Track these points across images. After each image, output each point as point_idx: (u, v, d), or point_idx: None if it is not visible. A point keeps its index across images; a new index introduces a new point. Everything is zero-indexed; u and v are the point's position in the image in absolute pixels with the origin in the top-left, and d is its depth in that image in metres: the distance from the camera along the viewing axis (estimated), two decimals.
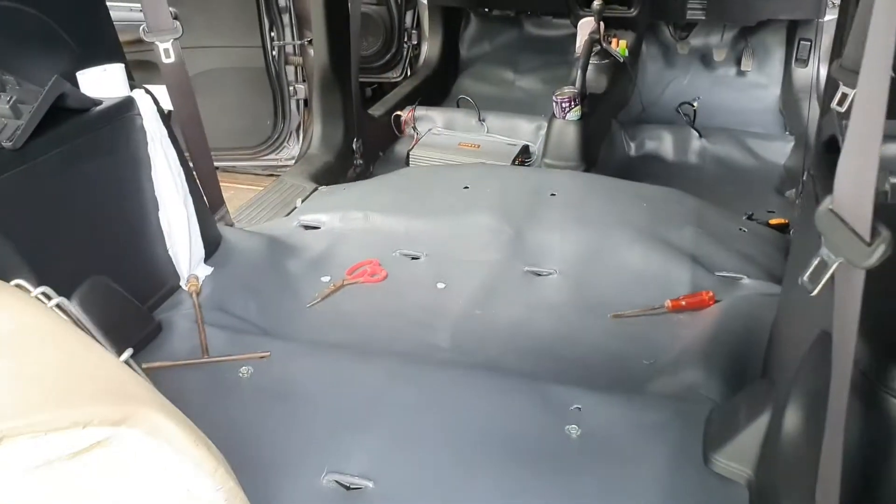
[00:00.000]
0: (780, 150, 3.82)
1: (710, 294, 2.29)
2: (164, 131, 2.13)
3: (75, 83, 2.01)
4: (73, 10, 2.03)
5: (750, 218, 3.24)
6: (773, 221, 3.14)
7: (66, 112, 1.88)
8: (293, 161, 3.83)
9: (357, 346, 2.11)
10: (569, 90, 3.56)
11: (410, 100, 4.44)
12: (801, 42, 4.32)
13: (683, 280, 2.38)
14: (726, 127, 4.17)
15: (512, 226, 2.64)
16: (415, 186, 3.05)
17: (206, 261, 2.34)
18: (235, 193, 4.12)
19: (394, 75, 4.92)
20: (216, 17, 3.44)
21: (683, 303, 2.28)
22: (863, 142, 0.90)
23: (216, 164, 3.86)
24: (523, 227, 2.63)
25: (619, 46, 4.08)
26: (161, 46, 2.26)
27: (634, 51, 4.32)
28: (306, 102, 3.77)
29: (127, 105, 2.04)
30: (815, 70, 4.29)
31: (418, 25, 4.96)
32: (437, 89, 4.86)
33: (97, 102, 1.98)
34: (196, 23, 3.43)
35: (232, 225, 2.74)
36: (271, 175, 4.11)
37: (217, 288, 2.25)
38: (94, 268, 1.94)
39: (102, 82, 2.02)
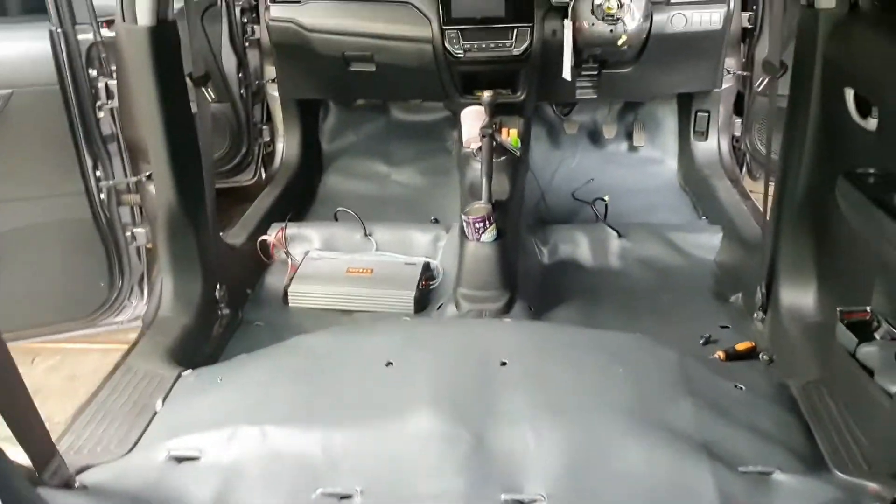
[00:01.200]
0: (706, 244, 3.44)
1: None
2: None
3: None
4: None
5: (708, 341, 2.81)
6: (741, 347, 2.71)
7: None
8: (138, 321, 2.97)
9: None
10: (480, 207, 3.00)
11: (275, 214, 3.71)
12: (699, 114, 4.02)
13: (704, 487, 1.82)
14: (636, 215, 3.77)
15: (468, 427, 1.96)
16: (318, 370, 2.30)
17: None
18: (62, 360, 3.19)
19: (245, 178, 4.19)
20: (20, 160, 2.57)
21: None
22: None
23: (38, 342, 3.00)
24: (482, 428, 1.96)
25: (511, 137, 3.56)
26: None
27: (525, 139, 3.83)
28: (149, 249, 2.94)
29: None
30: (716, 143, 4.01)
31: (269, 120, 4.25)
32: (302, 194, 4.15)
33: None
34: None
35: (70, 481, 1.89)
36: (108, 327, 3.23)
37: None
38: None
39: None
